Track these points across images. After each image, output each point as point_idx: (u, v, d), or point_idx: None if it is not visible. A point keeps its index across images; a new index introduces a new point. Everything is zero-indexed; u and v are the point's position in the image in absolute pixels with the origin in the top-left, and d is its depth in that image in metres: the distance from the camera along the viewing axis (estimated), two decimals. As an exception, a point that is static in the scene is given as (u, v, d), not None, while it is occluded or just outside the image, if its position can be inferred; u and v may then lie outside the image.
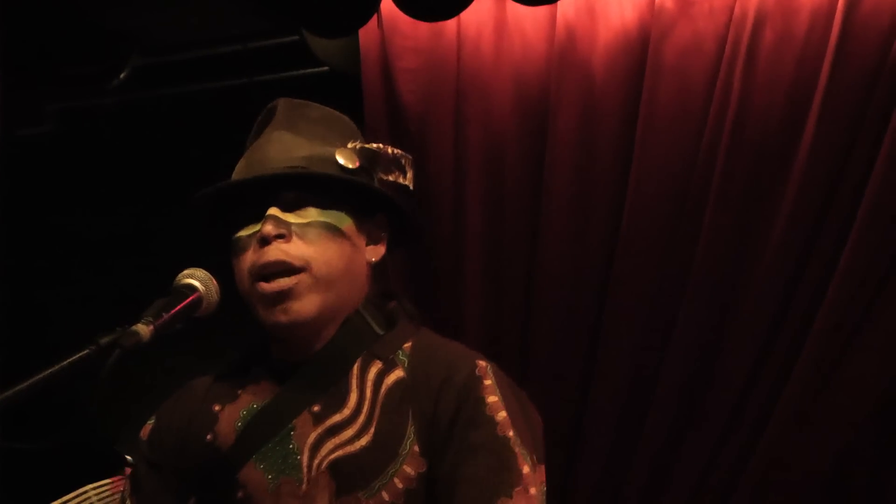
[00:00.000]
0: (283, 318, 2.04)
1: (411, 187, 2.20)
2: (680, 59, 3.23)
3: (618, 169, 3.30)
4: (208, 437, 2.16)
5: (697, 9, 3.25)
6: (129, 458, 2.42)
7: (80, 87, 4.43)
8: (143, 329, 1.85)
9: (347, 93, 3.60)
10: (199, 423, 2.21)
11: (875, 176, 3.00)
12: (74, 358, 1.82)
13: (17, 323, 4.36)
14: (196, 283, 2.01)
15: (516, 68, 3.41)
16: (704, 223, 3.18)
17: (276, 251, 2.01)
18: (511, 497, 1.93)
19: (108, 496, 2.67)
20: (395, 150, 2.19)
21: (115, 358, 1.81)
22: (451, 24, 3.46)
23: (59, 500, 2.88)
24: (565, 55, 3.31)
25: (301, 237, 2.04)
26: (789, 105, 3.11)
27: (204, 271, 2.06)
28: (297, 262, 2.02)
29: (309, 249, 2.04)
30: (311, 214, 2.06)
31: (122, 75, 4.30)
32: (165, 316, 1.92)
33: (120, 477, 2.69)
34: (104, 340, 1.83)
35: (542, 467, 2.05)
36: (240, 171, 2.15)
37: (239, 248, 2.08)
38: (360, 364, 2.10)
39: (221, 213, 2.13)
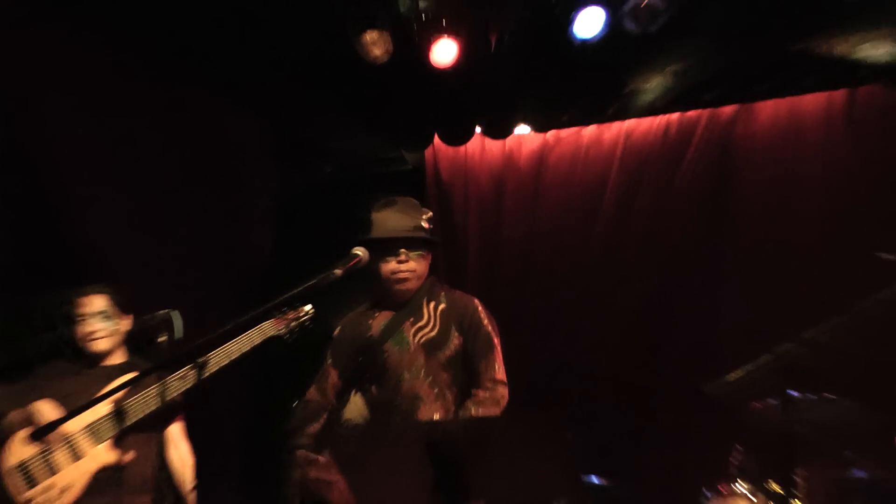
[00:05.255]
0: (401, 291, 4.76)
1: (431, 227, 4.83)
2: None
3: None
4: (369, 333, 4.79)
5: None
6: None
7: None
8: (340, 270, 4.16)
9: (419, 179, 7.28)
10: (363, 327, 4.83)
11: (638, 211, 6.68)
12: (323, 275, 4.11)
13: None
14: (359, 252, 4.29)
15: (489, 168, 7.20)
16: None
17: (404, 267, 4.75)
18: (485, 360, 4.84)
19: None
20: (429, 214, 4.81)
21: (334, 277, 4.10)
22: (474, 143, 7.28)
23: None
24: (507, 165, 7.09)
25: (413, 260, 4.76)
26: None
27: (363, 249, 4.28)
28: (410, 273, 4.78)
29: (414, 265, 4.78)
30: (415, 251, 4.73)
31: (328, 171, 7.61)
32: (349, 264, 4.20)
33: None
34: (337, 270, 4.08)
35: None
36: (378, 229, 4.74)
37: (385, 261, 4.73)
38: (425, 301, 4.84)
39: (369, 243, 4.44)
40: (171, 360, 4.69)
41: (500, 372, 4.79)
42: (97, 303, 5.05)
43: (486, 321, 4.87)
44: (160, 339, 4.91)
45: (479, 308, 4.90)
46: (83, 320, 5.03)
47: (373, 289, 5.04)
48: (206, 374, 4.70)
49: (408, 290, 4.84)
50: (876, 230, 5.80)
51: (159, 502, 5.00)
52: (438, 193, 7.41)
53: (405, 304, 4.88)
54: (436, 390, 4.72)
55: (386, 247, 4.78)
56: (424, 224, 4.91)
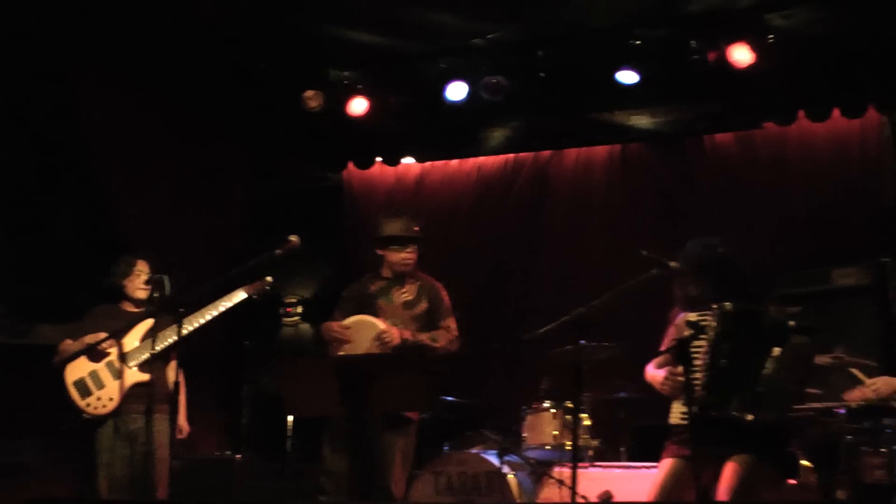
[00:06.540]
0: (405, 271, 5.42)
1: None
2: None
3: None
4: (369, 291, 5.50)
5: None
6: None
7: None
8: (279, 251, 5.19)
9: (339, 192, 8.44)
10: (364, 288, 5.53)
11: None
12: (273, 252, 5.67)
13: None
14: (293, 239, 4.93)
15: (385, 186, 8.27)
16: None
17: (409, 257, 5.42)
18: (445, 320, 5.51)
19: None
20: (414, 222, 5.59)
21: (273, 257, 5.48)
22: (375, 168, 8.33)
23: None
24: (397, 184, 8.12)
25: (414, 252, 5.44)
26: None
27: (296, 236, 4.89)
28: (413, 260, 5.44)
29: (415, 255, 5.47)
30: (413, 245, 5.46)
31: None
32: (286, 247, 4.87)
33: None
34: (277, 251, 5.33)
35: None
36: (394, 230, 5.40)
37: (396, 251, 5.40)
38: (408, 277, 5.47)
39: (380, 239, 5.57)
40: (165, 310, 5.06)
41: (454, 330, 5.50)
42: (146, 266, 5.59)
43: (445, 297, 5.59)
44: (155, 296, 5.14)
45: (441, 288, 5.62)
46: (138, 276, 5.52)
47: (374, 265, 5.64)
48: (198, 325, 5.28)
49: (408, 270, 5.47)
50: (636, 240, 6.53)
51: (170, 412, 5.38)
52: (351, 203, 8.42)
53: (396, 277, 5.51)
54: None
55: (398, 241, 5.42)
56: (418, 230, 5.57)
